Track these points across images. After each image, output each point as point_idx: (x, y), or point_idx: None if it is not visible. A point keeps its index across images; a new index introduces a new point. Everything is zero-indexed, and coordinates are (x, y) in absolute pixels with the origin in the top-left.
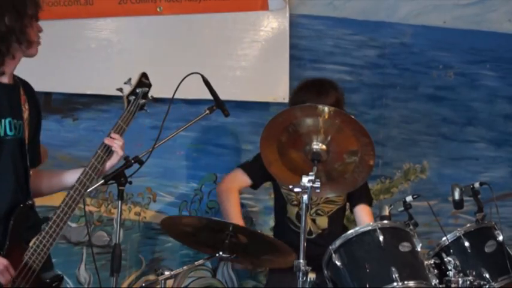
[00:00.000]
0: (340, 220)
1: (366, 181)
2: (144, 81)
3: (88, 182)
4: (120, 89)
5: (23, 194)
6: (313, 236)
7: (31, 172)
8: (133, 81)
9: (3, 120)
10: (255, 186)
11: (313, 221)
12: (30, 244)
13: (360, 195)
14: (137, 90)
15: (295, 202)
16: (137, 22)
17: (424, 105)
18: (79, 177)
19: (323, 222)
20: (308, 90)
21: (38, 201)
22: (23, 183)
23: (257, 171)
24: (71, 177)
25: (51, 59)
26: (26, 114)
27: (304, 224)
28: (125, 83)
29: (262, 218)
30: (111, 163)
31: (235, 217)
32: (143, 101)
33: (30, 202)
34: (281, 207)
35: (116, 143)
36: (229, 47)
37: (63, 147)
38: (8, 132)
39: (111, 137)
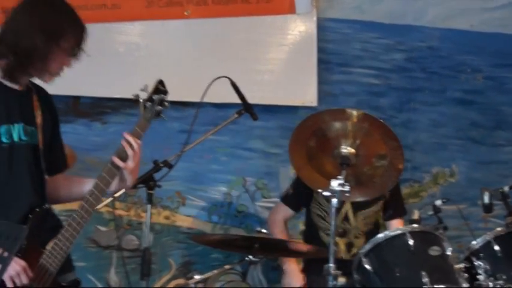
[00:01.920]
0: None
1: (399, 191)
2: (160, 88)
3: (104, 187)
4: (137, 96)
5: (39, 198)
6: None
7: (48, 178)
8: (150, 88)
9: (16, 126)
10: (297, 211)
11: (350, 244)
12: (47, 247)
13: (395, 209)
14: (154, 97)
15: (328, 231)
16: (165, 26)
17: (452, 109)
18: (95, 183)
19: (360, 243)
20: None
21: (60, 206)
22: (38, 188)
23: (297, 201)
24: (91, 184)
25: (79, 63)
26: (39, 120)
27: (334, 228)
28: (141, 90)
29: (292, 222)
30: (128, 167)
31: None
32: (160, 107)
33: (46, 206)
34: (313, 233)
35: (131, 148)
36: (256, 50)
37: (91, 151)
38: (22, 137)
39: (126, 141)
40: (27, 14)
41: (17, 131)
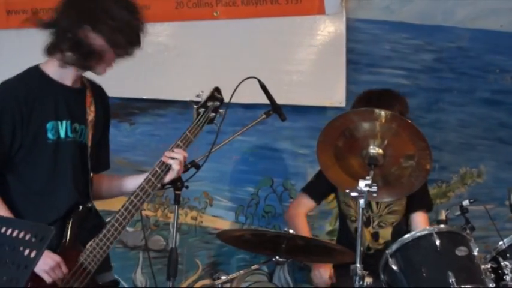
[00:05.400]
0: (404, 230)
1: (426, 185)
2: (216, 95)
3: (150, 189)
4: (192, 101)
5: (82, 196)
6: (372, 251)
7: (93, 176)
8: (205, 95)
9: (63, 123)
10: (318, 203)
11: (376, 234)
12: (87, 246)
13: (420, 201)
14: (208, 104)
15: (353, 218)
16: (194, 27)
17: (480, 109)
18: (141, 184)
19: (387, 233)
20: (368, 102)
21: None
22: (82, 186)
23: (319, 191)
24: (131, 182)
25: None
26: (91, 117)
27: (361, 230)
28: (197, 96)
29: (318, 222)
30: (170, 177)
31: None
32: (213, 114)
33: (89, 205)
34: (342, 223)
35: (176, 158)
36: (285, 51)
37: (119, 151)
38: (69, 134)
39: (172, 151)
40: (76, 6)
41: (64, 128)
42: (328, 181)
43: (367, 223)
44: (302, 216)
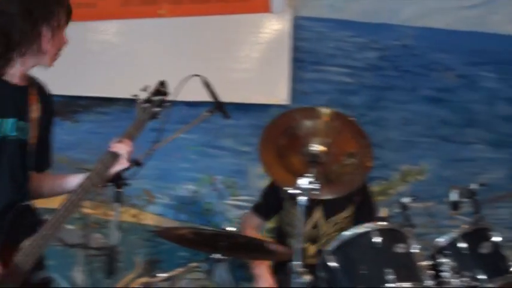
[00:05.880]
0: None
1: (370, 198)
2: (161, 89)
3: (90, 187)
4: (135, 96)
5: (20, 194)
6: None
7: (35, 174)
8: (150, 89)
9: (9, 120)
10: (267, 220)
11: (320, 251)
12: (24, 244)
13: (365, 217)
14: (153, 98)
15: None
16: (139, 25)
17: (423, 107)
18: (82, 182)
19: None
20: None
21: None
22: (20, 184)
23: (268, 210)
24: (74, 181)
25: None
26: (34, 115)
27: (301, 225)
28: (141, 90)
29: None
30: (117, 168)
31: None
32: (157, 109)
33: (27, 203)
34: (281, 240)
35: (123, 149)
36: (230, 49)
37: (62, 149)
38: (11, 133)
39: (119, 142)
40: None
41: (9, 126)
42: (275, 202)
43: (314, 241)
44: (252, 230)
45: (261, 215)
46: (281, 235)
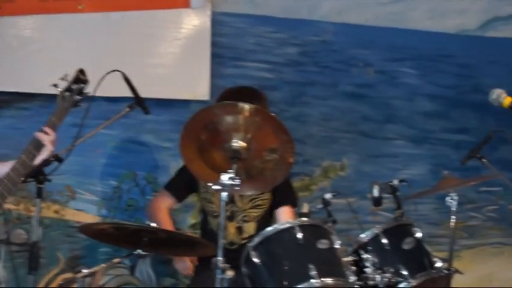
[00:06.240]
0: (268, 224)
1: (289, 181)
2: (80, 77)
3: (17, 177)
4: (55, 85)
5: None
6: (236, 246)
7: None
8: (70, 78)
9: None
10: (180, 201)
11: (240, 228)
12: None
13: (284, 196)
14: (73, 87)
15: (215, 214)
16: (58, 20)
17: (343, 103)
18: (8, 172)
19: (251, 228)
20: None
21: None
22: None
23: (181, 188)
24: (2, 169)
25: None
26: None
27: (223, 221)
28: (62, 79)
29: (181, 215)
30: (42, 157)
31: None
32: (78, 97)
33: None
34: (204, 219)
35: (47, 137)
36: (150, 44)
37: None
38: None
39: (43, 131)
40: None
41: None
42: (189, 180)
43: (231, 218)
44: (164, 210)
45: (173, 193)
46: (203, 214)
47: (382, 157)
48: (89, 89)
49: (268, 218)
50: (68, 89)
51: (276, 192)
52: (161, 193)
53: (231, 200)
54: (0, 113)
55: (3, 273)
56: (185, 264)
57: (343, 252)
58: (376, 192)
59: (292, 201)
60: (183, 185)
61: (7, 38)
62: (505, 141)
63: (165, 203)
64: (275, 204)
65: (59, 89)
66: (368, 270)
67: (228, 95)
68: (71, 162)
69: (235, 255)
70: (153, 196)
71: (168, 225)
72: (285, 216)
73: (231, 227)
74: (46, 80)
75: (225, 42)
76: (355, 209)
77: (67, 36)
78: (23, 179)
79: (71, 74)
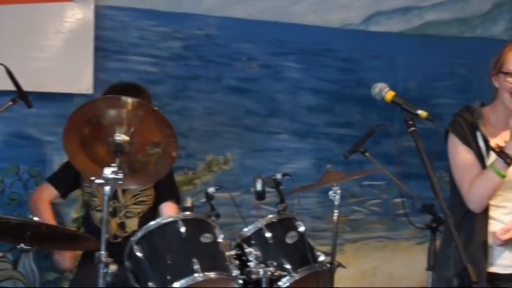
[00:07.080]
0: (151, 220)
1: (173, 177)
2: None
3: None
4: None
5: None
6: (119, 240)
7: None
8: None
9: None
10: (63, 196)
11: (122, 224)
12: None
13: (167, 191)
14: None
15: (98, 208)
16: None
17: (227, 97)
18: None
19: (133, 224)
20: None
21: None
22: None
23: (64, 182)
24: None
25: None
26: None
27: (105, 215)
28: None
29: (64, 209)
30: None
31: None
32: None
33: None
34: (86, 213)
35: None
36: (33, 37)
37: None
38: None
39: None
40: None
41: None
42: (73, 174)
43: (113, 213)
44: (45, 203)
45: (55, 186)
46: (85, 208)
47: (266, 151)
48: None
49: (151, 214)
50: None
51: (159, 188)
52: (44, 185)
53: (113, 196)
54: None
55: None
56: (63, 257)
57: (227, 246)
58: (259, 186)
59: (175, 196)
60: (67, 179)
61: None
62: (388, 136)
63: (46, 194)
64: (158, 200)
65: None
66: (251, 264)
67: (111, 92)
68: None
69: (118, 249)
70: (36, 188)
71: (48, 216)
72: (168, 212)
73: (114, 223)
74: None
75: (109, 36)
76: (239, 203)
77: None
78: None
79: None
